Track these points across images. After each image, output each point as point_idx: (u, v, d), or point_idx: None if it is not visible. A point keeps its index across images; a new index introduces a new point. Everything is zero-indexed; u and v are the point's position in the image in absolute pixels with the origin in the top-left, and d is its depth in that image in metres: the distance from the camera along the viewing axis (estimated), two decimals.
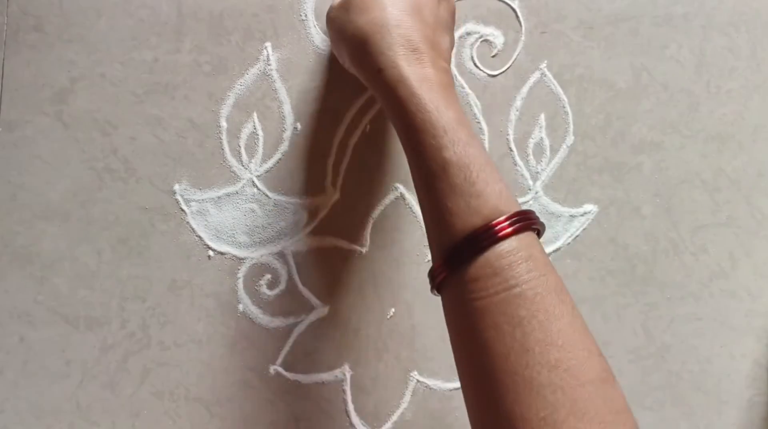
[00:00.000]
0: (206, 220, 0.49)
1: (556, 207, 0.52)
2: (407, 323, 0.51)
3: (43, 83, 0.47)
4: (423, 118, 0.37)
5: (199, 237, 0.49)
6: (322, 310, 0.51)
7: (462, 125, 0.37)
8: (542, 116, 0.51)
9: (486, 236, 0.34)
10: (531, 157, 0.52)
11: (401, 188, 0.50)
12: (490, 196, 0.36)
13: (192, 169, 0.48)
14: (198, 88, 0.48)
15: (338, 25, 0.42)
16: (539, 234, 0.37)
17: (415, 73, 0.38)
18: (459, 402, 0.52)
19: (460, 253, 0.35)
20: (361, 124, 0.50)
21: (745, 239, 0.54)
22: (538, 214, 0.52)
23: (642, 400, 0.54)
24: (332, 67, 0.49)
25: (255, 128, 0.49)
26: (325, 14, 0.48)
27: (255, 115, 0.49)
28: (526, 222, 0.35)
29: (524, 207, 0.52)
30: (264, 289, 0.50)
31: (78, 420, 0.49)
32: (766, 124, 0.54)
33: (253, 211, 0.49)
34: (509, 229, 0.34)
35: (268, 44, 0.48)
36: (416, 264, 0.51)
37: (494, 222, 0.34)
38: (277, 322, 0.50)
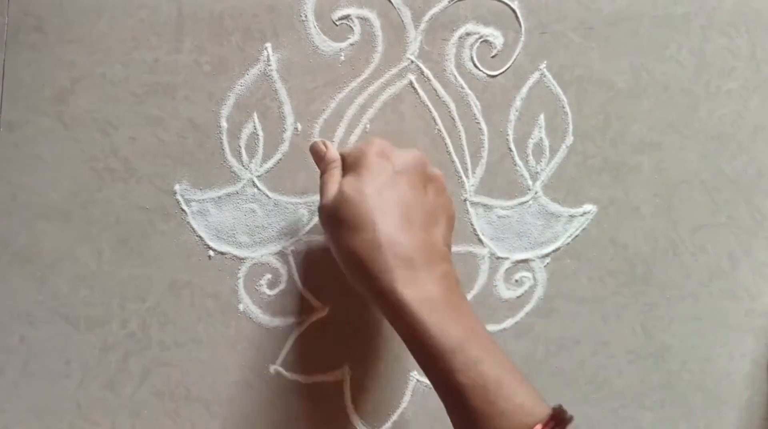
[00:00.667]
0: (207, 220, 0.49)
1: (555, 207, 0.52)
2: None
3: (43, 83, 0.47)
4: (429, 343, 0.37)
5: (200, 237, 0.49)
6: (322, 310, 0.51)
7: (472, 341, 0.37)
8: (542, 116, 0.51)
9: None
10: (530, 157, 0.52)
11: None
12: (514, 413, 0.35)
13: (192, 169, 0.48)
14: (198, 89, 0.48)
15: (332, 236, 0.41)
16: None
17: (414, 296, 0.37)
18: None
19: None
20: (360, 123, 0.50)
21: (745, 239, 0.54)
22: (536, 214, 0.52)
23: (642, 400, 0.54)
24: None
25: (255, 128, 0.49)
26: (325, 15, 0.48)
27: (255, 115, 0.49)
28: (563, 426, 0.36)
29: (524, 207, 0.52)
30: (264, 289, 0.50)
31: (78, 420, 0.49)
32: (765, 124, 0.54)
33: (253, 211, 0.49)
34: None
35: (268, 45, 0.48)
36: None
37: None
38: (277, 322, 0.50)
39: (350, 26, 0.49)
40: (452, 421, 0.38)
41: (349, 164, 0.43)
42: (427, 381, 0.51)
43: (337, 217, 0.40)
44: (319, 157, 0.45)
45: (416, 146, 0.50)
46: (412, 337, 0.38)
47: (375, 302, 0.40)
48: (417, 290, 0.38)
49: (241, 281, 0.50)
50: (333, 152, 0.44)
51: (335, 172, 0.43)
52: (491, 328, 0.52)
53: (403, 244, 0.39)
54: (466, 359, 0.36)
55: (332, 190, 0.42)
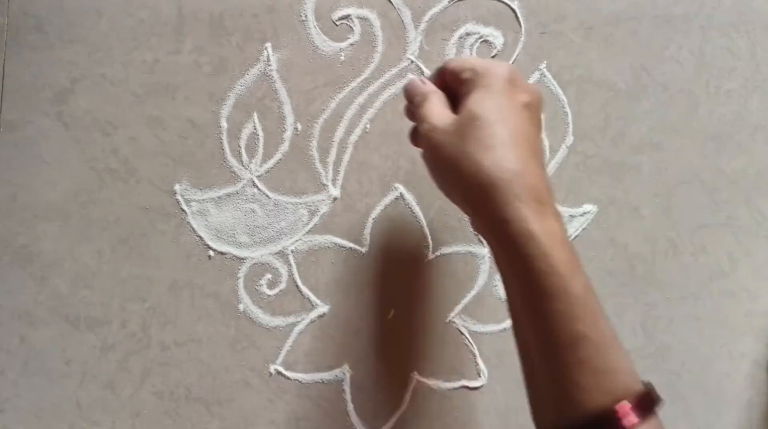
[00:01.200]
0: (207, 220, 0.49)
1: None
2: (407, 323, 0.51)
3: (43, 84, 0.47)
4: (555, 282, 0.34)
5: (200, 237, 0.49)
6: (322, 310, 0.51)
7: (593, 293, 0.35)
8: (541, 116, 0.51)
9: (615, 420, 0.33)
10: None
11: (401, 188, 0.51)
12: (620, 373, 0.34)
13: (192, 170, 0.48)
14: (198, 89, 0.48)
15: (449, 159, 0.37)
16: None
17: (545, 229, 0.35)
18: (459, 402, 0.52)
19: None
20: (360, 123, 0.50)
21: (745, 239, 0.54)
22: None
23: None
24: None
25: (255, 128, 0.49)
26: (325, 15, 0.48)
27: (255, 115, 0.49)
28: (654, 405, 0.34)
29: None
30: (264, 289, 0.50)
31: (78, 420, 0.49)
32: (765, 124, 0.54)
33: (253, 211, 0.49)
34: (635, 420, 0.33)
35: (268, 45, 0.48)
36: (416, 264, 0.51)
37: (622, 406, 0.33)
38: (277, 321, 0.50)
39: (350, 26, 0.49)
40: (549, 371, 0.35)
41: (473, 81, 0.39)
42: (427, 381, 0.51)
43: (461, 136, 0.36)
44: (416, 91, 0.41)
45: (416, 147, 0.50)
46: (533, 272, 0.34)
47: (496, 231, 0.36)
48: (547, 223, 0.35)
49: (241, 281, 0.50)
50: (430, 84, 0.41)
51: (437, 100, 0.40)
52: (491, 328, 0.52)
53: (534, 175, 0.36)
54: (588, 307, 0.34)
55: (444, 112, 0.39)
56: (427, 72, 0.50)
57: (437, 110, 0.39)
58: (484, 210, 0.36)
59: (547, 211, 0.35)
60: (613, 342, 0.35)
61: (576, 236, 0.53)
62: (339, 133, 0.50)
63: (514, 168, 0.35)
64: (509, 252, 0.35)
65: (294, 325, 0.50)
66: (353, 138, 0.50)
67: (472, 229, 0.51)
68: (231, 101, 0.48)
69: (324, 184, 0.50)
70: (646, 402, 0.34)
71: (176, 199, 0.49)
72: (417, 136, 0.41)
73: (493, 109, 0.37)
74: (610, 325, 0.35)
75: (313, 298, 0.51)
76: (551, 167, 0.52)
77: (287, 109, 0.49)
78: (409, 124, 0.51)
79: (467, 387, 0.52)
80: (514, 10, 0.50)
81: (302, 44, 0.49)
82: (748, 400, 0.55)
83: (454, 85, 0.40)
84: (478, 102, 0.37)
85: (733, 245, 0.54)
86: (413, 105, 0.41)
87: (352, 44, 0.49)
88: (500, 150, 0.36)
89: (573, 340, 0.34)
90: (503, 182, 0.35)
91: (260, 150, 0.49)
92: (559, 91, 0.51)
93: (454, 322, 0.51)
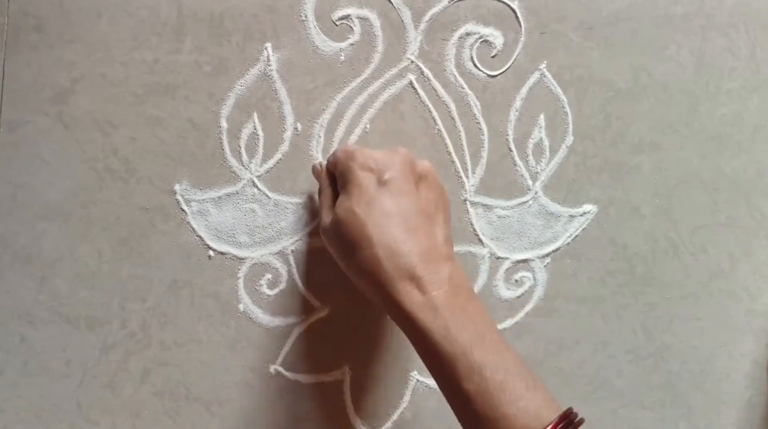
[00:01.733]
0: (207, 220, 0.49)
1: (555, 207, 0.52)
2: None
3: (43, 83, 0.47)
4: (434, 349, 0.38)
5: (200, 237, 0.49)
6: (322, 310, 0.51)
7: (476, 345, 0.37)
8: (542, 116, 0.51)
9: None
10: (530, 157, 0.52)
11: None
12: (516, 417, 0.36)
13: (192, 170, 0.48)
14: (198, 89, 0.48)
15: (335, 255, 0.43)
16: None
17: (418, 304, 0.38)
18: None
19: None
20: (360, 123, 0.50)
21: (745, 239, 0.54)
22: (536, 214, 0.52)
23: (642, 400, 0.54)
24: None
25: (255, 128, 0.49)
26: (325, 15, 0.48)
27: (255, 115, 0.49)
28: None
29: (524, 207, 0.52)
30: (264, 289, 0.50)
31: (78, 420, 0.49)
32: (765, 124, 0.54)
33: (253, 211, 0.49)
34: None
35: (268, 45, 0.48)
36: None
37: None
38: (277, 322, 0.50)
39: (350, 26, 0.49)
40: (462, 426, 0.39)
41: (340, 184, 0.43)
42: (427, 381, 0.51)
43: (336, 239, 0.42)
44: (315, 177, 0.47)
45: (415, 146, 0.50)
46: (418, 344, 0.39)
47: (386, 312, 0.41)
48: (420, 298, 0.38)
49: (241, 281, 0.50)
50: (324, 171, 0.46)
51: (328, 191, 0.44)
52: None
53: (403, 253, 0.39)
54: (470, 365, 0.37)
55: (327, 210, 0.43)
56: (428, 72, 0.50)
57: (325, 207, 0.44)
58: (371, 296, 0.41)
59: (422, 283, 0.39)
60: (504, 387, 0.37)
61: (576, 236, 0.53)
62: (339, 133, 0.50)
63: (380, 258, 0.39)
64: (400, 326, 0.40)
65: (294, 325, 0.50)
66: (353, 138, 0.50)
67: (471, 230, 0.51)
68: (231, 101, 0.48)
69: None
70: None
71: (176, 199, 0.48)
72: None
73: (351, 207, 0.41)
74: (505, 369, 0.37)
75: (312, 298, 0.51)
76: (551, 167, 0.52)
77: (287, 109, 0.49)
78: (409, 123, 0.51)
79: None
80: (514, 10, 0.50)
81: (302, 44, 0.48)
82: (748, 400, 0.55)
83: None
84: (339, 205, 0.42)
85: (733, 245, 0.54)
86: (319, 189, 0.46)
87: (352, 44, 0.49)
88: (364, 245, 0.40)
89: (465, 398, 0.37)
90: (374, 273, 0.39)
91: (260, 150, 0.49)
92: (559, 91, 0.51)
93: None
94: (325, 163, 0.46)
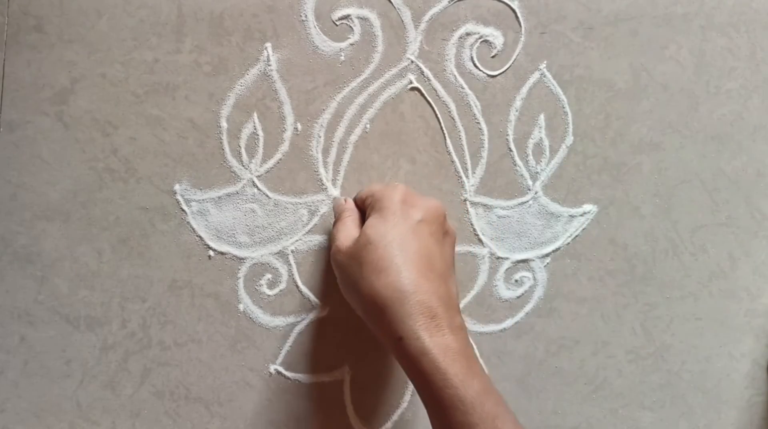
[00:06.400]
0: (206, 220, 0.49)
1: (555, 207, 0.52)
2: None
3: (43, 83, 0.47)
4: (450, 393, 0.37)
5: (200, 237, 0.49)
6: (322, 310, 0.51)
7: (489, 395, 0.38)
8: (542, 116, 0.51)
9: None
10: (530, 157, 0.52)
11: None
12: None
13: (192, 170, 0.48)
14: (198, 89, 0.48)
15: (349, 278, 0.42)
16: None
17: (437, 344, 0.38)
18: None
19: None
20: (360, 123, 0.50)
21: (745, 239, 0.54)
22: (536, 214, 0.52)
23: (642, 400, 0.54)
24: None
25: (255, 128, 0.49)
26: (325, 15, 0.48)
27: (255, 115, 0.49)
28: None
29: (524, 207, 0.52)
30: (264, 289, 0.50)
31: (78, 420, 0.49)
32: (765, 124, 0.54)
33: (253, 211, 0.49)
34: None
35: (268, 45, 0.48)
36: None
37: None
38: (277, 321, 0.50)
39: (350, 26, 0.49)
40: None
41: (372, 206, 0.43)
42: None
43: (358, 259, 0.41)
44: (336, 209, 0.47)
45: (415, 146, 0.50)
46: (430, 386, 0.38)
47: (394, 347, 0.39)
48: (439, 339, 0.38)
49: (241, 281, 0.50)
50: (351, 203, 0.46)
51: (349, 220, 0.44)
52: (491, 328, 0.53)
53: (427, 292, 0.39)
54: (484, 413, 0.37)
55: (350, 233, 0.43)
56: (428, 72, 0.50)
57: (345, 231, 0.43)
58: (381, 328, 0.39)
59: (442, 324, 0.38)
60: None
61: (576, 236, 0.53)
62: (339, 133, 0.50)
63: (405, 288, 0.38)
64: (408, 366, 0.39)
65: (294, 325, 0.50)
66: (353, 138, 0.50)
67: (471, 230, 0.51)
68: (231, 101, 0.48)
69: (324, 184, 0.50)
70: None
71: (176, 199, 0.49)
72: None
73: (385, 232, 0.40)
74: (513, 423, 0.38)
75: (313, 298, 0.51)
76: (551, 167, 0.52)
77: (287, 109, 0.49)
78: (409, 123, 0.51)
79: None
80: (514, 10, 0.50)
81: (302, 44, 0.49)
82: (748, 400, 0.55)
83: (364, 212, 0.45)
84: (372, 226, 0.41)
85: (733, 245, 0.54)
86: (334, 218, 0.46)
87: (352, 44, 0.49)
88: (391, 272, 0.39)
89: None
90: (395, 302, 0.38)
91: (260, 150, 0.49)
92: (559, 91, 0.51)
93: None
94: (349, 199, 0.47)
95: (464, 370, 0.37)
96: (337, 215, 0.46)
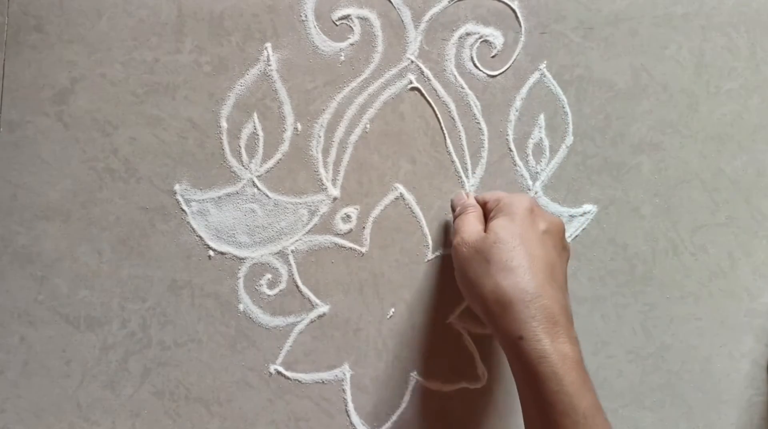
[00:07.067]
0: (206, 220, 0.49)
1: (555, 207, 0.52)
2: (407, 323, 0.51)
3: (43, 83, 0.47)
4: (563, 399, 0.37)
5: (200, 237, 0.49)
6: (322, 310, 0.51)
7: (599, 410, 0.38)
8: (542, 116, 0.51)
9: None
10: (530, 157, 0.52)
11: (401, 188, 0.51)
12: None
13: (192, 170, 0.48)
14: (198, 89, 0.48)
15: (472, 272, 0.42)
16: None
17: (557, 350, 0.38)
18: (459, 402, 0.52)
19: None
20: (360, 123, 0.50)
21: (745, 239, 0.54)
22: None
23: (642, 400, 0.54)
24: None
25: (255, 128, 0.49)
26: (325, 15, 0.48)
27: (255, 115, 0.49)
28: None
29: None
30: (264, 289, 0.50)
31: (78, 420, 0.49)
32: (765, 124, 0.54)
33: (253, 211, 0.49)
34: None
35: (268, 45, 0.48)
36: (416, 264, 0.51)
37: None
38: (277, 321, 0.50)
39: (350, 26, 0.49)
40: None
41: (499, 209, 0.44)
42: (427, 382, 0.51)
43: (485, 255, 0.41)
44: (458, 202, 0.47)
45: (415, 146, 0.50)
46: (544, 390, 0.38)
47: (511, 347, 0.39)
48: (559, 345, 0.38)
49: (241, 281, 0.50)
50: (473, 199, 0.47)
51: (473, 216, 0.45)
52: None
53: (551, 298, 0.39)
54: (595, 426, 0.37)
55: (474, 228, 0.43)
56: (428, 72, 0.50)
57: (470, 225, 0.44)
58: (502, 326, 0.39)
59: (561, 332, 0.39)
60: None
61: (576, 236, 0.53)
62: (339, 133, 0.50)
63: (531, 290, 0.39)
64: (523, 367, 0.39)
65: (294, 325, 0.50)
66: (353, 138, 0.50)
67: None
68: (231, 101, 0.48)
69: (324, 184, 0.50)
70: None
71: (176, 199, 0.48)
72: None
73: (514, 234, 0.41)
74: None
75: (313, 298, 0.51)
76: (551, 167, 0.52)
77: (287, 109, 0.49)
78: (409, 123, 0.51)
79: (467, 387, 0.52)
80: (514, 10, 0.50)
81: (302, 44, 0.49)
82: (748, 400, 0.55)
83: (484, 212, 0.46)
84: (503, 227, 0.42)
85: (732, 245, 0.54)
86: (453, 214, 0.47)
87: (352, 44, 0.49)
88: (519, 272, 0.39)
89: None
90: (520, 302, 0.39)
91: (260, 150, 0.49)
92: (559, 91, 0.51)
93: (454, 322, 0.52)
94: (471, 194, 0.48)
95: (579, 381, 0.38)
96: (461, 208, 0.46)
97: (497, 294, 0.40)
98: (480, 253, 0.41)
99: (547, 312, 0.39)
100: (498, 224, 0.42)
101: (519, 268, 0.40)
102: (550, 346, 0.38)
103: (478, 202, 0.47)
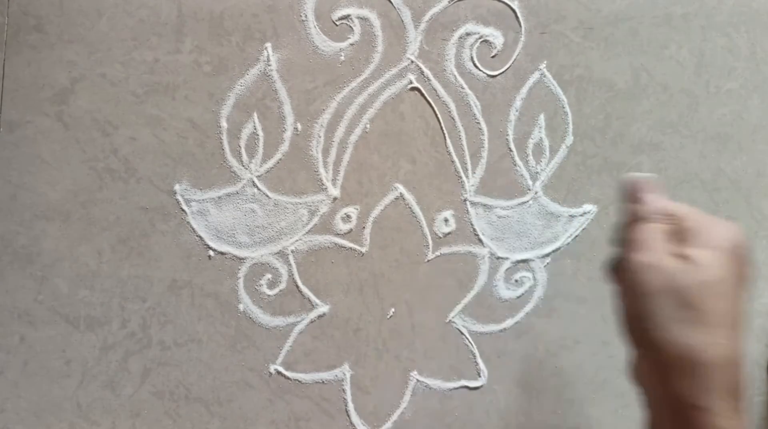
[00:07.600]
0: (206, 220, 0.49)
1: (555, 207, 0.52)
2: (407, 323, 0.51)
3: (43, 83, 0.47)
4: None
5: (200, 237, 0.49)
6: (322, 310, 0.51)
7: None
8: (542, 116, 0.51)
9: None
10: (530, 157, 0.52)
11: (401, 188, 0.51)
12: None
13: (192, 169, 0.48)
14: (198, 89, 0.48)
15: (661, 311, 0.33)
16: None
17: (733, 427, 0.33)
18: (459, 402, 0.52)
19: None
20: (360, 123, 0.50)
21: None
22: (536, 214, 0.52)
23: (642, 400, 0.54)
24: None
25: (255, 128, 0.49)
26: (325, 15, 0.48)
27: (255, 115, 0.49)
28: None
29: (524, 207, 0.52)
30: (264, 289, 0.50)
31: (78, 420, 0.49)
32: (765, 124, 0.54)
33: (253, 211, 0.49)
34: None
35: (268, 45, 0.48)
36: (416, 264, 0.51)
37: None
38: (277, 321, 0.50)
39: (350, 26, 0.49)
40: None
41: (697, 234, 0.34)
42: (427, 381, 0.51)
43: (683, 295, 0.32)
44: (639, 197, 0.37)
45: (415, 146, 0.50)
46: None
47: (677, 412, 0.34)
48: (735, 423, 0.33)
49: (241, 281, 0.50)
50: (662, 202, 0.37)
51: (659, 230, 0.35)
52: (491, 328, 0.52)
53: (739, 370, 0.33)
54: None
55: (661, 247, 0.34)
56: (428, 72, 0.50)
57: (656, 244, 0.34)
58: (675, 384, 0.33)
59: (739, 409, 0.33)
60: None
61: (576, 236, 0.53)
62: (339, 133, 0.50)
63: (725, 355, 0.32)
64: None
65: (294, 325, 0.50)
66: (353, 138, 0.50)
67: (471, 230, 0.51)
68: (231, 101, 0.48)
69: (324, 184, 0.50)
70: None
71: (176, 199, 0.48)
72: (622, 259, 0.35)
73: (725, 279, 0.33)
74: None
75: (313, 298, 0.51)
76: (551, 167, 0.52)
77: (287, 109, 0.49)
78: (409, 123, 0.51)
79: (467, 387, 0.52)
80: (514, 10, 0.50)
81: (302, 44, 0.48)
82: (748, 400, 0.55)
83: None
84: (712, 267, 0.33)
85: None
86: (631, 210, 0.37)
87: (352, 44, 0.49)
88: (716, 331, 0.32)
89: None
90: (709, 368, 0.32)
91: (260, 150, 0.49)
92: (559, 91, 0.51)
93: (454, 322, 0.52)
94: (655, 196, 0.37)
95: None
96: (641, 213, 0.36)
97: (681, 348, 0.32)
98: (676, 291, 0.33)
99: (732, 387, 0.33)
100: (705, 258, 0.33)
101: (716, 327, 0.32)
102: (726, 424, 0.32)
103: (660, 210, 0.37)
